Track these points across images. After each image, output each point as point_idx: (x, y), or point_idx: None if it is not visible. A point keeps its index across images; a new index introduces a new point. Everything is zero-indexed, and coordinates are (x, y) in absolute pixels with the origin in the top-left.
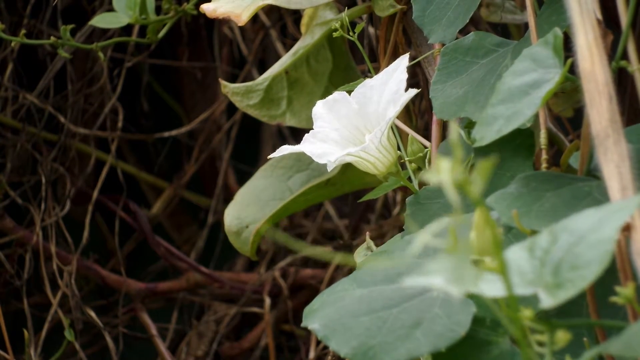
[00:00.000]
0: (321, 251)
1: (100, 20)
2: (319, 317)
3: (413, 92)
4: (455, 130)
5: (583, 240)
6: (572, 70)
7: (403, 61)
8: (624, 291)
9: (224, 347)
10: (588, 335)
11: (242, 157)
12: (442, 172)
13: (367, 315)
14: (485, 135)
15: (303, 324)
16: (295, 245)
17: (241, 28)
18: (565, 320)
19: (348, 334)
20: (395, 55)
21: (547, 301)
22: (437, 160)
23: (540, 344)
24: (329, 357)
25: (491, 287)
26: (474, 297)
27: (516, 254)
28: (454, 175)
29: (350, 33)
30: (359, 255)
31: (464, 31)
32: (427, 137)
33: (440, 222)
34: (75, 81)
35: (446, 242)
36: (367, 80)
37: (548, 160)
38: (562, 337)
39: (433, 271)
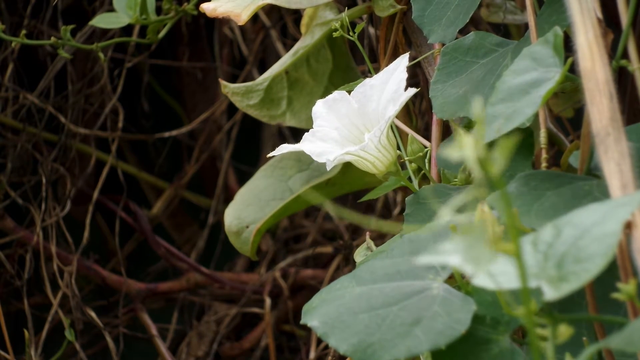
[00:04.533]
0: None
1: (101, 21)
2: (318, 314)
3: (412, 91)
4: (479, 105)
5: (587, 234)
6: (573, 69)
7: (403, 60)
8: (626, 288)
9: (225, 347)
10: (588, 334)
11: (243, 158)
12: (466, 148)
13: (366, 313)
14: (485, 134)
15: (302, 321)
16: (364, 222)
17: (241, 28)
18: (567, 315)
19: (347, 331)
20: (395, 55)
21: (551, 294)
22: (459, 136)
23: (543, 338)
24: (329, 358)
25: (505, 279)
26: (475, 295)
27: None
28: (477, 151)
29: (350, 33)
30: (359, 255)
31: (464, 31)
32: (427, 137)
33: (462, 197)
34: (75, 81)
35: (465, 219)
36: (367, 80)
37: (548, 159)
38: (565, 331)
39: (448, 251)
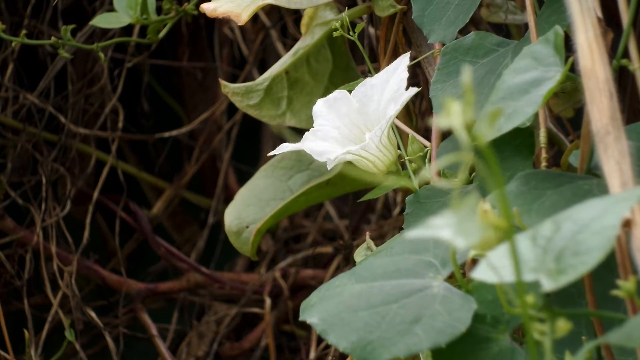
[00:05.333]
0: None
1: (101, 21)
2: (317, 311)
3: (413, 90)
4: (467, 73)
5: (586, 228)
6: (573, 68)
7: (404, 60)
8: (626, 285)
9: (225, 347)
10: (587, 334)
11: (243, 158)
12: (454, 115)
13: (366, 310)
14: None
15: (301, 318)
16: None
17: (242, 28)
18: (565, 310)
19: (347, 328)
20: (395, 55)
21: (549, 285)
22: (448, 103)
23: (542, 333)
24: (330, 358)
25: (503, 273)
26: (475, 294)
27: (518, 243)
28: (465, 117)
29: (351, 33)
30: (359, 255)
31: (464, 32)
32: (427, 137)
33: (450, 157)
34: (75, 81)
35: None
36: (368, 79)
37: (548, 160)
38: (563, 326)
39: (440, 225)
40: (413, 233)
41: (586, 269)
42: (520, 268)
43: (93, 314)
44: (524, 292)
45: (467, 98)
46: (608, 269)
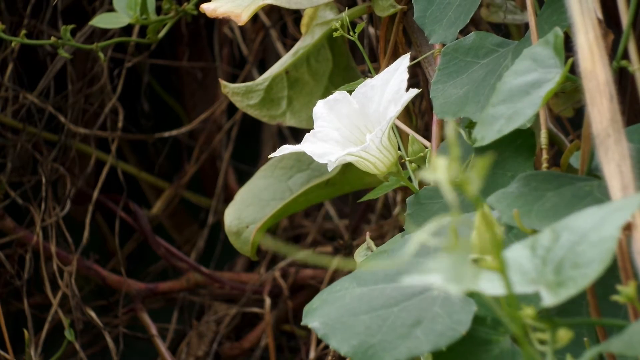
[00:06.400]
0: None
1: (101, 21)
2: (319, 315)
3: (414, 91)
4: (452, 129)
5: (585, 239)
6: (573, 70)
7: (404, 61)
8: (626, 290)
9: (224, 347)
10: (588, 335)
11: (243, 157)
12: (439, 170)
13: (367, 314)
14: (486, 135)
15: (303, 323)
16: (291, 252)
17: (241, 28)
18: (566, 319)
19: (348, 332)
20: (395, 56)
21: (549, 299)
22: (434, 159)
23: (542, 342)
24: (329, 358)
25: (492, 286)
26: (475, 296)
27: (517, 252)
28: (450, 173)
29: (351, 33)
30: (359, 255)
31: (464, 32)
32: (428, 137)
33: (438, 221)
34: (75, 81)
35: (444, 241)
36: (368, 80)
37: (548, 160)
38: (564, 335)
39: (432, 270)
40: (408, 280)
41: (587, 282)
42: (520, 279)
43: (93, 314)
44: (517, 307)
45: (453, 153)
46: (608, 271)
